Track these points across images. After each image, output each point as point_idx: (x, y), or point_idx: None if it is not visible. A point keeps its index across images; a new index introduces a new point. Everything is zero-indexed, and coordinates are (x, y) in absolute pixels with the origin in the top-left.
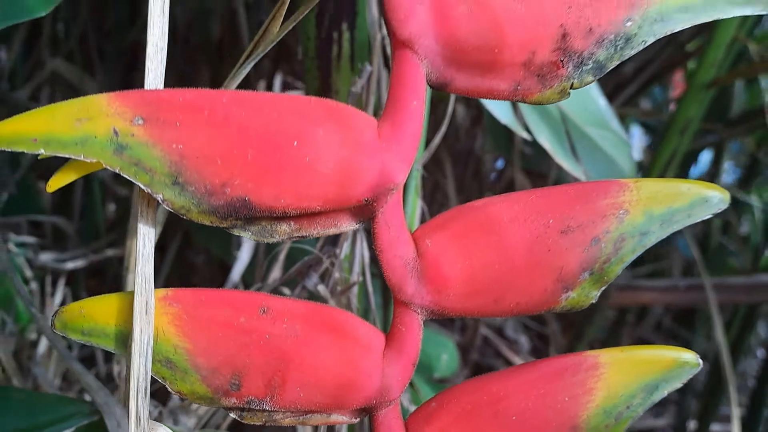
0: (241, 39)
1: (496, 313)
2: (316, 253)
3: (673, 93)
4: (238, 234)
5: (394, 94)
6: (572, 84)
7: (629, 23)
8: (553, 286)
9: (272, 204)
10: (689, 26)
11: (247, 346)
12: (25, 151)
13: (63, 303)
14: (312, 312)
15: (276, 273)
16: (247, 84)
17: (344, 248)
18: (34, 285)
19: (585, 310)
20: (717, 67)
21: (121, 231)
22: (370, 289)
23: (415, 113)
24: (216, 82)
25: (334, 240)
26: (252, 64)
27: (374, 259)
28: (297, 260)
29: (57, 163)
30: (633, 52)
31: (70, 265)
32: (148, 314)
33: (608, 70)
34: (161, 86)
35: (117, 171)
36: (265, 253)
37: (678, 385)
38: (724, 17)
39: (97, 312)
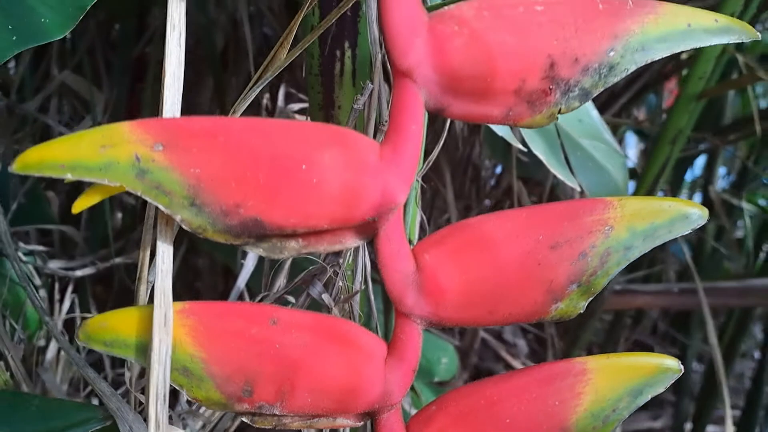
0: (244, 49)
1: (491, 323)
2: (320, 263)
3: (667, 101)
4: (249, 250)
5: (394, 120)
6: (560, 109)
7: (612, 53)
8: (543, 297)
9: (282, 223)
10: (669, 55)
11: (259, 356)
12: (52, 176)
13: (71, 310)
14: (318, 322)
15: (281, 282)
16: None
17: (347, 258)
18: (42, 292)
19: (581, 316)
20: (706, 80)
21: (127, 239)
22: (372, 296)
23: (413, 137)
24: (219, 91)
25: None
26: (261, 87)
27: (375, 266)
28: (301, 268)
29: None
30: (616, 80)
31: (79, 273)
32: (167, 326)
33: (593, 96)
34: (178, 113)
35: (138, 194)
36: (269, 262)
37: (661, 389)
38: (702, 46)
39: (119, 324)
